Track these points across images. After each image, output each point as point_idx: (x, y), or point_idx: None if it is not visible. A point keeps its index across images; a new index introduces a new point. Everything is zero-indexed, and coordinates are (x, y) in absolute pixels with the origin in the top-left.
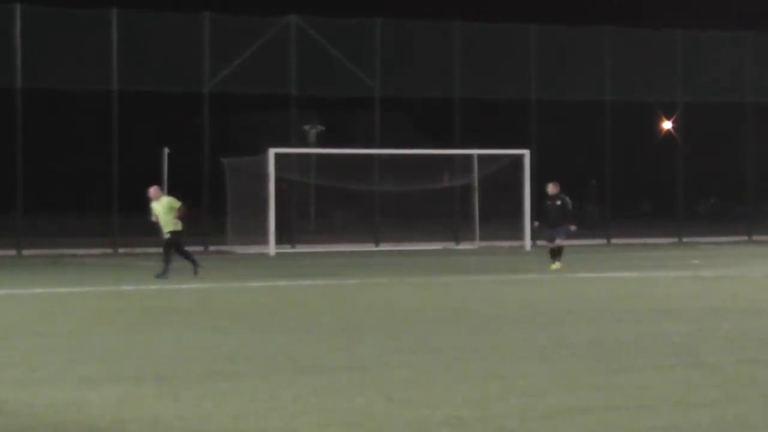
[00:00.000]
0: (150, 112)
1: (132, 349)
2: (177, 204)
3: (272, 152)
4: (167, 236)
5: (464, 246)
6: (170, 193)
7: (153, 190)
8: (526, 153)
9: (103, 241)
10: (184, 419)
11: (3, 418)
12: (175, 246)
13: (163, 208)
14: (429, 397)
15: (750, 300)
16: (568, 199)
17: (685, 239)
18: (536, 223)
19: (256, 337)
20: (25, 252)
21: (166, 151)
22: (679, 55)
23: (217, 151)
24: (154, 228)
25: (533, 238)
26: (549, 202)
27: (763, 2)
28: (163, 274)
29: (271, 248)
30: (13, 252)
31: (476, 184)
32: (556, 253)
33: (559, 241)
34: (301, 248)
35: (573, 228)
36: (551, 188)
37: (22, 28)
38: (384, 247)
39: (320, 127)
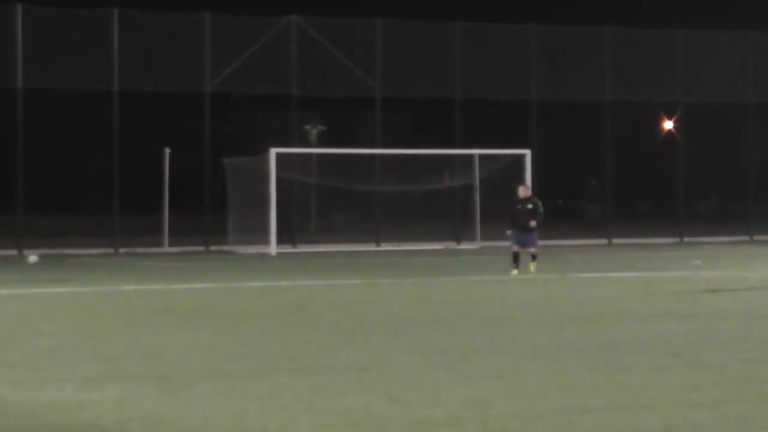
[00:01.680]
0: (150, 112)
1: (132, 349)
2: None
3: (273, 152)
4: None
5: (465, 246)
6: (171, 193)
7: None
8: (526, 153)
9: (104, 241)
10: (184, 419)
11: (4, 419)
12: None
13: None
14: (429, 397)
15: (750, 300)
16: (540, 204)
17: (685, 239)
18: (509, 233)
19: (256, 337)
20: (26, 252)
21: (168, 151)
22: (680, 55)
23: (218, 151)
24: None
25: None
26: (519, 206)
27: (764, 2)
28: None
29: (272, 248)
30: (13, 252)
31: (477, 184)
32: (518, 258)
33: (533, 249)
34: (302, 248)
35: (533, 224)
36: (522, 192)
37: (23, 28)
38: (385, 247)
39: (321, 127)
